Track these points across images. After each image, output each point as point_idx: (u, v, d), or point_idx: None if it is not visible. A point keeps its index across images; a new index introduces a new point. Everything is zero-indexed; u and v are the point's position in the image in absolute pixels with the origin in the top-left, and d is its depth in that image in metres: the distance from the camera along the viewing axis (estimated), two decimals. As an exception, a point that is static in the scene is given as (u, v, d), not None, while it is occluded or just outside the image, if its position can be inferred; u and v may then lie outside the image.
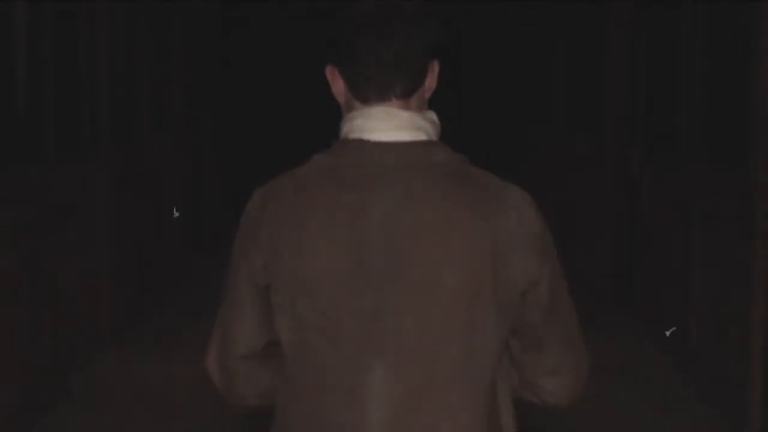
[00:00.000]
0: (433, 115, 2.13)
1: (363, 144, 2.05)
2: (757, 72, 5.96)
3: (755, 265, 5.87)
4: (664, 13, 8.11)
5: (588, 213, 10.32)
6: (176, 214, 8.17)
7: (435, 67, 2.13)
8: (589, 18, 10.49)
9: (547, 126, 12.64)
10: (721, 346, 6.51)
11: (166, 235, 10.11)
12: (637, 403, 6.64)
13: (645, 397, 6.74)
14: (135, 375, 7.11)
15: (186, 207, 11.10)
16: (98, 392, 6.70)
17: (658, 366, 7.46)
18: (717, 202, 6.58)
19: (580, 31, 10.97)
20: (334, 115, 2.23)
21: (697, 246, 6.91)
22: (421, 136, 2.07)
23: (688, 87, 7.32)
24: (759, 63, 5.92)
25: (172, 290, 9.81)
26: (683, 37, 7.41)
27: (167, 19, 10.26)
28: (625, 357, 7.70)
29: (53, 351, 6.50)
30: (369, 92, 2.07)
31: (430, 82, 2.14)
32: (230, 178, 14.00)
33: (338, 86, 2.12)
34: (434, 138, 2.10)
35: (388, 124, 2.05)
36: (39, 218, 6.23)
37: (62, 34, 6.87)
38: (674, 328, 7.37)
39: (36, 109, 6.36)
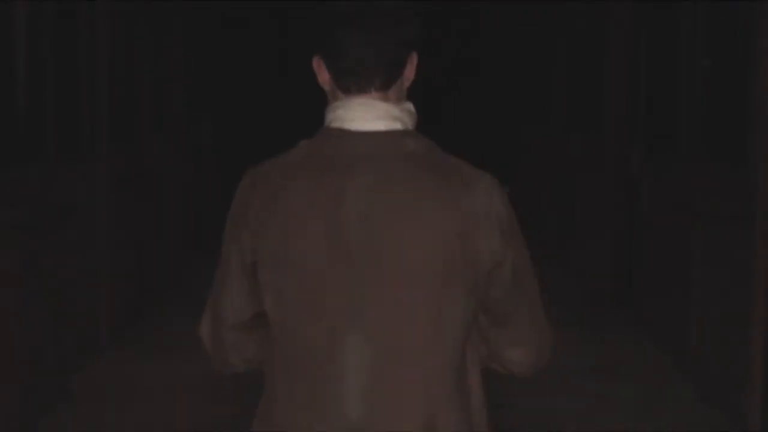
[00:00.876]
0: (410, 106, 2.28)
1: (343, 133, 2.22)
2: (757, 72, 5.95)
3: (755, 265, 5.86)
4: (664, 13, 8.11)
5: (588, 213, 10.32)
6: None
7: (413, 60, 2.28)
8: (589, 18, 10.49)
9: (547, 126, 12.64)
10: (721, 346, 6.51)
11: (166, 235, 10.11)
12: (637, 403, 6.63)
13: (645, 397, 6.74)
14: (135, 375, 7.11)
15: (186, 207, 11.10)
16: (98, 392, 6.70)
17: (658, 366, 7.46)
18: (717, 202, 6.57)
19: (580, 31, 10.97)
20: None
21: (697, 246, 6.91)
22: (397, 126, 2.23)
23: (688, 87, 7.31)
24: (759, 63, 5.92)
25: (172, 290, 9.81)
26: (683, 37, 7.41)
27: (167, 19, 10.26)
28: (625, 357, 7.70)
29: (53, 351, 6.50)
30: (350, 84, 2.24)
31: (408, 73, 2.28)
32: (230, 178, 13.99)
33: (323, 76, 2.28)
34: (410, 127, 2.25)
35: (367, 115, 2.21)
36: (39, 218, 6.22)
37: (62, 34, 6.87)
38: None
39: (36, 109, 6.36)
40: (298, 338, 2.18)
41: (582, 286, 10.25)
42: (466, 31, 18.59)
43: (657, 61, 8.35)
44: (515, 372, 2.46)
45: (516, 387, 6.94)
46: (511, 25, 15.65)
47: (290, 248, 2.16)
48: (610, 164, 9.46)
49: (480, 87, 18.62)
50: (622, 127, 9.30)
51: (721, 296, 6.52)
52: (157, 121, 9.84)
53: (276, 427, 2.23)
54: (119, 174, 8.09)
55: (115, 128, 8.00)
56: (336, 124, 2.23)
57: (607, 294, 9.49)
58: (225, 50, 13.76)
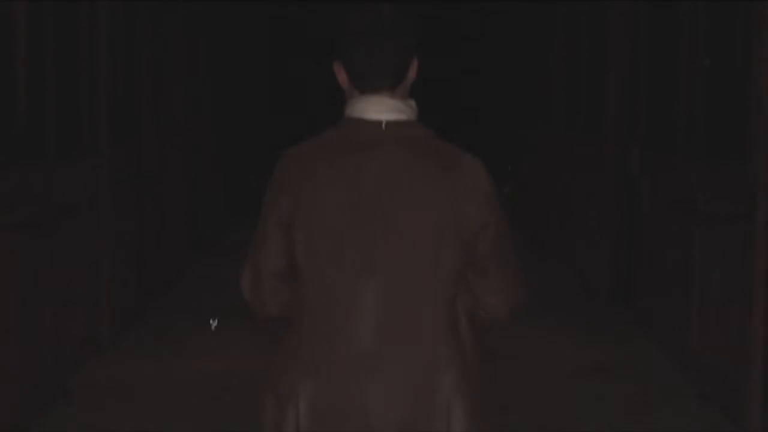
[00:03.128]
0: (412, 102, 2.82)
1: (361, 122, 2.77)
2: (757, 72, 5.96)
3: (755, 265, 5.87)
4: (664, 13, 8.11)
5: (588, 213, 10.32)
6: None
7: (414, 64, 2.82)
8: (589, 18, 10.49)
9: (547, 126, 12.64)
10: (721, 346, 6.51)
11: (166, 235, 10.11)
12: (637, 403, 6.64)
13: (645, 397, 6.74)
14: (135, 375, 7.11)
15: (186, 207, 11.10)
16: (98, 392, 6.70)
17: (658, 366, 7.46)
18: (717, 202, 6.58)
19: (580, 31, 10.98)
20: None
21: (697, 246, 6.91)
22: (403, 117, 2.78)
23: (688, 87, 7.32)
24: (759, 63, 5.93)
25: (172, 290, 9.81)
26: (683, 37, 7.42)
27: (167, 19, 10.26)
28: (625, 357, 7.71)
29: (53, 351, 6.50)
30: (365, 85, 2.79)
31: (411, 75, 2.82)
32: (230, 178, 14.00)
33: (342, 78, 2.83)
34: (413, 118, 2.81)
35: (379, 108, 2.76)
36: (39, 218, 6.23)
37: (62, 34, 6.87)
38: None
39: (36, 109, 6.36)
40: (323, 285, 2.71)
41: (582, 286, 10.25)
42: (465, 31, 18.59)
43: (657, 61, 8.35)
44: (495, 315, 2.89)
45: (516, 387, 6.95)
46: (511, 26, 15.65)
47: (318, 211, 2.70)
48: (610, 164, 9.46)
49: (480, 87, 18.61)
50: (622, 127, 9.30)
51: (721, 296, 6.52)
52: (157, 121, 9.84)
53: (300, 359, 2.74)
54: (119, 174, 8.09)
55: (115, 128, 8.00)
56: (355, 115, 2.77)
57: (607, 294, 9.50)
58: (226, 50, 13.76)
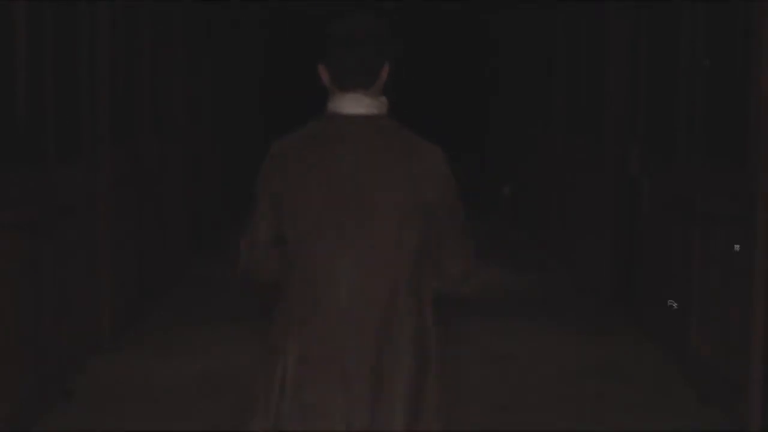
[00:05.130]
0: (384, 99, 3.35)
1: (339, 116, 3.30)
2: (757, 72, 5.96)
3: (755, 265, 5.87)
4: (664, 13, 8.11)
5: (588, 213, 10.32)
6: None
7: (387, 67, 3.32)
8: (589, 18, 10.49)
9: (547, 126, 12.64)
10: (721, 346, 6.51)
11: (166, 235, 10.11)
12: (637, 403, 6.64)
13: (645, 397, 6.74)
14: (135, 375, 7.11)
15: (186, 207, 11.10)
16: (98, 392, 6.70)
17: (658, 366, 7.46)
18: (717, 202, 6.58)
19: (580, 32, 10.98)
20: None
21: (697, 246, 6.91)
22: (374, 112, 3.31)
23: (687, 87, 7.32)
24: (759, 63, 5.93)
25: (172, 290, 9.81)
26: (683, 37, 7.42)
27: (167, 20, 10.26)
28: (625, 357, 7.71)
29: (53, 351, 6.50)
30: (343, 84, 3.30)
31: (383, 76, 3.32)
32: (230, 177, 14.00)
33: (325, 78, 3.33)
34: (383, 113, 3.33)
35: (355, 104, 3.29)
36: (39, 218, 6.23)
37: (62, 35, 6.87)
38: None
39: (36, 109, 6.36)
40: (307, 255, 3.24)
41: (582, 286, 10.25)
42: (465, 31, 18.59)
43: (657, 61, 8.35)
44: (452, 277, 3.39)
45: (516, 387, 6.95)
46: (511, 26, 15.65)
47: (302, 192, 3.22)
48: (610, 164, 9.46)
49: (480, 87, 18.61)
50: (621, 127, 9.31)
51: (721, 296, 6.53)
52: (157, 121, 9.84)
53: (287, 318, 3.29)
54: (119, 174, 8.09)
55: (115, 128, 8.00)
56: (334, 110, 3.30)
57: (607, 294, 9.50)
58: (226, 49, 13.76)
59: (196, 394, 6.71)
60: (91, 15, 7.51)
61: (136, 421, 6.19)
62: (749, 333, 5.94)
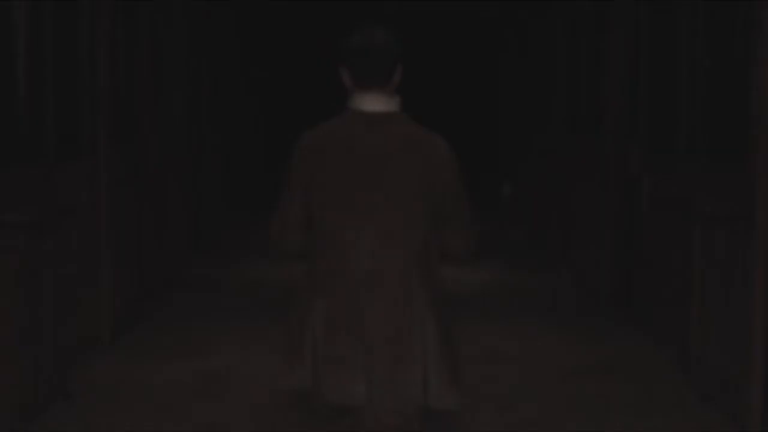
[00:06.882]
0: (398, 98, 3.86)
1: (360, 112, 3.81)
2: (757, 72, 5.96)
3: (755, 266, 5.87)
4: (664, 13, 8.11)
5: (588, 213, 10.32)
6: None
7: (399, 70, 3.84)
8: (589, 18, 10.49)
9: (548, 126, 12.64)
10: (721, 346, 6.51)
11: (166, 235, 10.12)
12: (637, 403, 6.64)
13: (645, 397, 6.74)
14: (135, 375, 7.11)
15: (186, 207, 11.10)
16: (98, 392, 6.70)
17: (658, 366, 7.46)
18: (717, 202, 6.58)
19: (580, 32, 10.98)
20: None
21: (697, 246, 6.91)
22: (391, 109, 3.82)
23: (688, 87, 7.32)
24: (759, 63, 5.93)
25: (172, 290, 9.81)
26: (683, 37, 7.42)
27: (167, 19, 10.26)
28: (625, 357, 7.71)
29: (53, 351, 6.50)
30: (362, 84, 3.81)
31: (397, 78, 3.85)
32: (230, 177, 14.00)
33: (346, 78, 3.85)
34: (398, 110, 3.84)
35: (373, 102, 3.81)
36: (39, 218, 6.23)
37: (62, 34, 6.87)
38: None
39: (36, 109, 6.36)
40: (334, 230, 3.74)
41: (582, 286, 10.25)
42: (465, 31, 18.60)
43: (657, 61, 8.35)
44: (456, 251, 3.87)
45: (516, 387, 6.95)
46: (511, 24, 15.65)
47: (328, 176, 3.74)
48: (610, 164, 9.46)
49: (480, 87, 18.61)
50: (621, 127, 9.31)
51: (721, 296, 6.53)
52: (157, 121, 9.84)
53: (314, 283, 3.78)
54: (119, 174, 8.10)
55: (115, 128, 8.00)
56: (355, 107, 3.81)
57: (607, 294, 9.50)
58: (226, 50, 13.77)
59: (195, 394, 6.71)
60: (91, 15, 7.51)
61: (135, 421, 6.19)
62: (749, 333, 5.94)
